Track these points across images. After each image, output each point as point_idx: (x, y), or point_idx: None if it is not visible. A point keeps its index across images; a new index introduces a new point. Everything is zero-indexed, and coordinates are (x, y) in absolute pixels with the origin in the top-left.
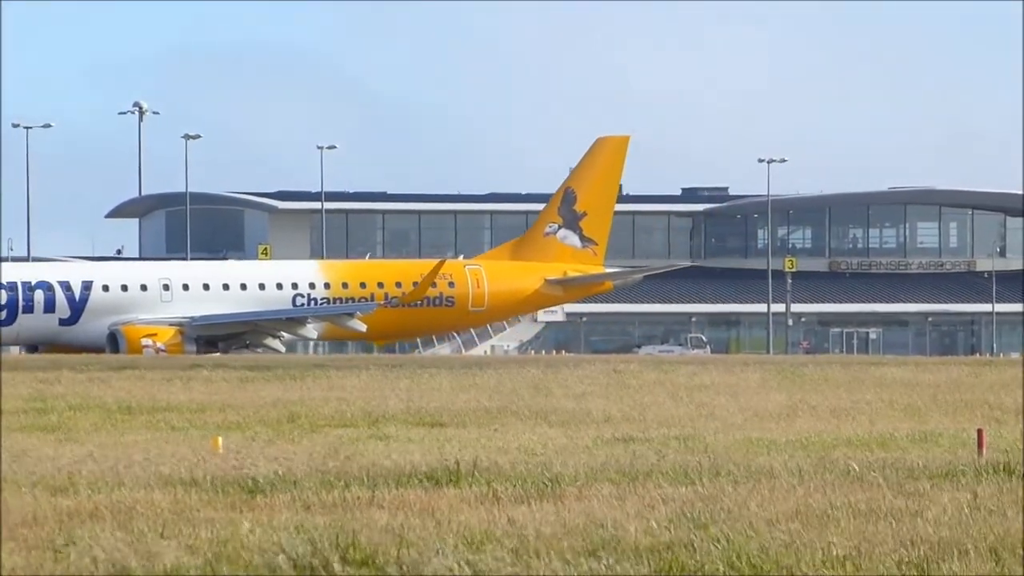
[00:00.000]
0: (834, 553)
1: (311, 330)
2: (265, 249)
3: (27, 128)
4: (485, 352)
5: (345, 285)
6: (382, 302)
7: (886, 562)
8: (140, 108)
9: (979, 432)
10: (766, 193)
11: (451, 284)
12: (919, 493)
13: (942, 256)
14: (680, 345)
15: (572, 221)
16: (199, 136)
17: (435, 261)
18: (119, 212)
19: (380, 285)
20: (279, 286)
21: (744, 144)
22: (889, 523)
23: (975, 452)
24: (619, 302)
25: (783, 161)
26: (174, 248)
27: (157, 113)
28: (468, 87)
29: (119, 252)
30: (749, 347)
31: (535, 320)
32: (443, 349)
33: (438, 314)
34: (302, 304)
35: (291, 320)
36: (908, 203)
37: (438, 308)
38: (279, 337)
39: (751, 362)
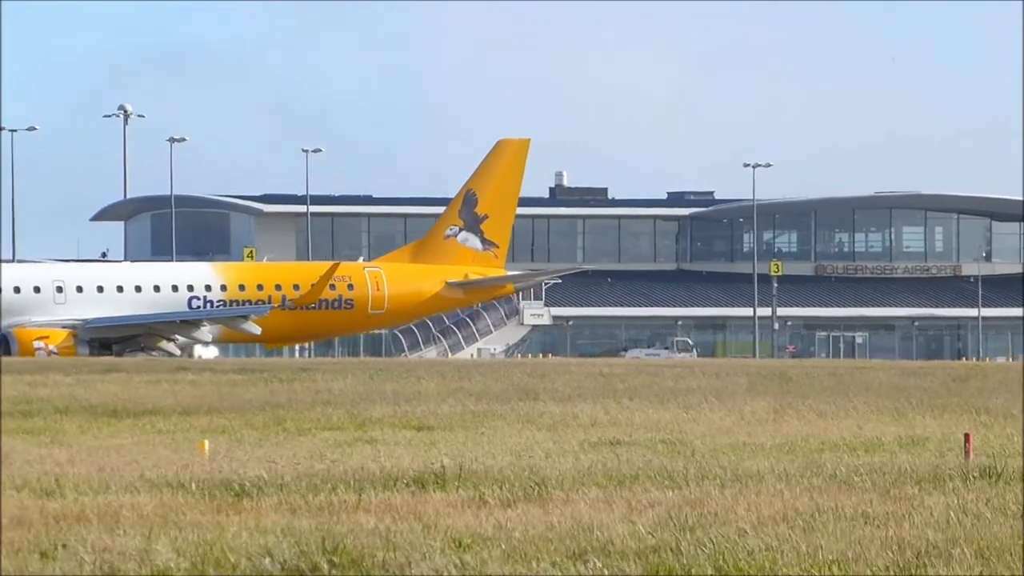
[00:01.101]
0: (821, 557)
1: (206, 333)
2: (251, 252)
3: (12, 131)
4: (472, 355)
5: (242, 287)
6: (276, 304)
7: (873, 566)
8: (125, 111)
9: (966, 436)
10: (752, 197)
11: (350, 287)
12: (906, 497)
13: (928, 260)
14: (666, 349)
15: (473, 224)
16: (184, 139)
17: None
18: (104, 215)
19: (278, 287)
20: (175, 288)
21: (730, 148)
22: (876, 527)
23: (962, 456)
24: (606, 306)
25: (768, 166)
26: (159, 251)
27: (142, 116)
28: (461, 90)
29: (104, 255)
30: (735, 351)
31: (522, 323)
32: (429, 352)
33: (337, 317)
34: (198, 307)
35: (185, 323)
36: (894, 207)
37: (337, 311)
38: (174, 340)
39: (737, 366)
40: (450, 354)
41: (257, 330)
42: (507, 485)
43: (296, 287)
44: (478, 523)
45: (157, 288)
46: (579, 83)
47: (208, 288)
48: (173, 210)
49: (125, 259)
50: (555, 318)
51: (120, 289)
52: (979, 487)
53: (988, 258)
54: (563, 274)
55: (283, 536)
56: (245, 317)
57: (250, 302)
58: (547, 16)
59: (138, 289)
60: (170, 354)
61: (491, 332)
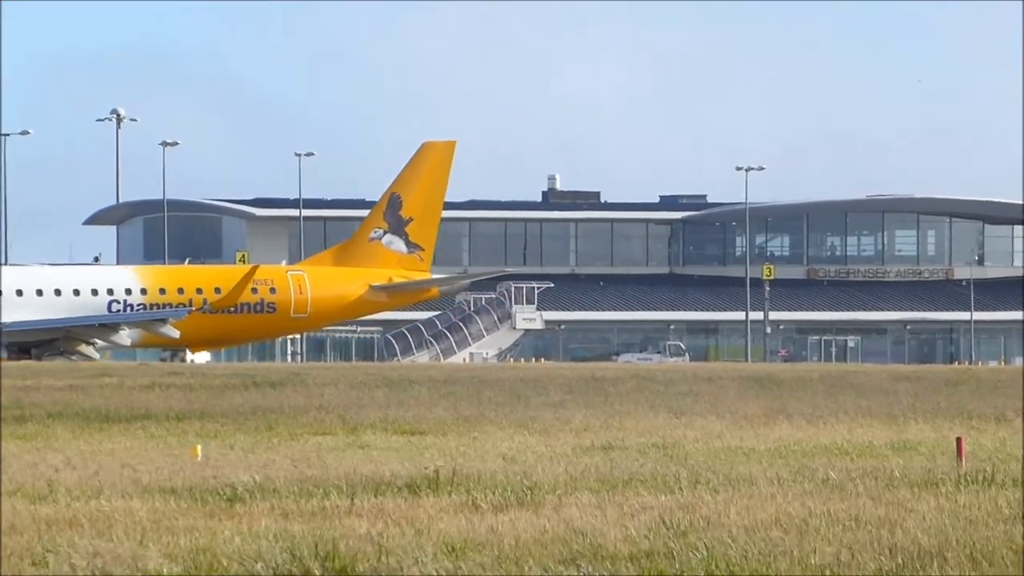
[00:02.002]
0: (813, 561)
1: (124, 337)
2: (243, 256)
3: (5, 135)
4: (464, 360)
5: (162, 291)
6: (195, 308)
7: (865, 570)
8: (118, 115)
9: (958, 440)
10: (744, 201)
11: (272, 290)
12: (898, 502)
13: (920, 264)
14: (659, 353)
15: (398, 226)
16: (176, 143)
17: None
18: (97, 219)
19: (199, 291)
20: (95, 292)
21: (722, 152)
22: (868, 531)
23: (954, 460)
24: (598, 310)
25: (761, 169)
26: (152, 255)
27: (135, 120)
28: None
29: (96, 259)
30: (727, 355)
31: (514, 328)
32: (422, 357)
33: (259, 320)
34: (118, 310)
35: (104, 327)
36: (886, 211)
37: (259, 314)
38: (93, 344)
39: (729, 370)
40: (442, 358)
41: (176, 334)
42: (499, 490)
43: (217, 290)
44: (470, 528)
45: (77, 292)
46: (570, 86)
47: (128, 292)
48: (166, 214)
49: (118, 263)
50: (547, 322)
51: (40, 293)
52: (972, 492)
53: (980, 262)
54: (488, 277)
55: (275, 541)
56: (163, 321)
57: (170, 306)
58: (538, 18)
59: (58, 293)
60: (89, 358)
61: (484, 336)
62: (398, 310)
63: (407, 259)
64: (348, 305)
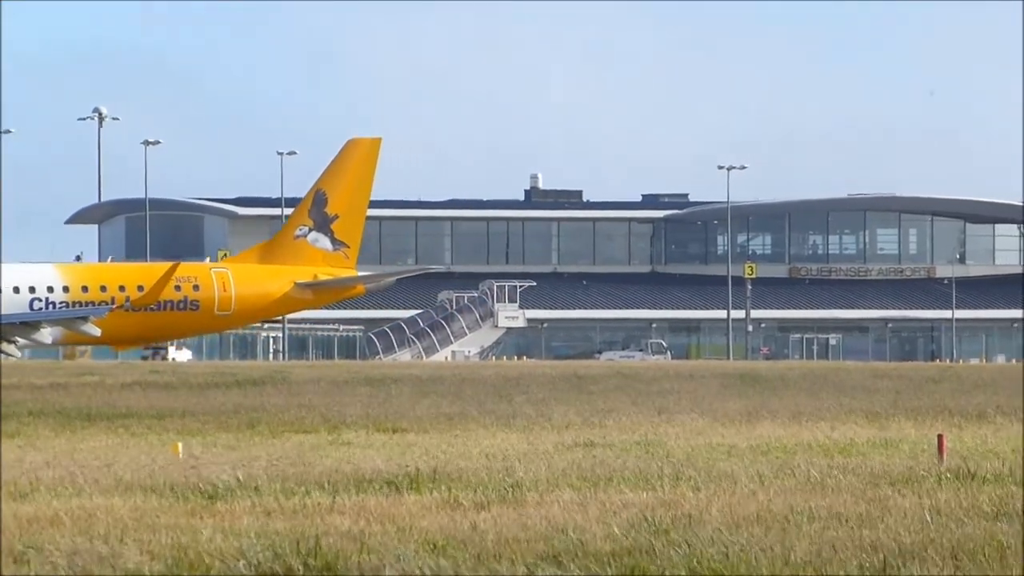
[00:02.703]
0: (795, 558)
1: (45, 335)
2: (225, 254)
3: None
4: (446, 358)
5: (85, 288)
6: (115, 306)
7: (847, 567)
8: (100, 114)
9: (939, 437)
10: (726, 200)
11: (196, 287)
12: (880, 499)
13: (902, 262)
14: (641, 351)
15: (323, 224)
16: (159, 142)
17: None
18: (79, 218)
19: (121, 288)
20: (16, 290)
21: (704, 150)
22: (850, 528)
23: (936, 457)
24: (580, 308)
25: (743, 168)
26: (134, 254)
27: (116, 119)
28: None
29: (78, 258)
30: (709, 353)
31: (496, 326)
32: (404, 355)
33: (182, 318)
34: (40, 308)
35: (24, 324)
36: (868, 210)
37: (182, 312)
38: (13, 342)
39: (711, 368)
40: (424, 356)
41: (97, 332)
42: (481, 487)
43: (140, 288)
44: (452, 525)
45: None
46: (554, 85)
47: (50, 290)
48: (147, 213)
49: (100, 262)
50: (530, 320)
51: None
52: (953, 489)
53: (962, 260)
54: (414, 273)
55: (257, 539)
56: (84, 318)
57: (93, 303)
58: (521, 18)
59: None
60: (9, 355)
61: (466, 335)
62: (323, 308)
63: (333, 256)
64: (273, 303)
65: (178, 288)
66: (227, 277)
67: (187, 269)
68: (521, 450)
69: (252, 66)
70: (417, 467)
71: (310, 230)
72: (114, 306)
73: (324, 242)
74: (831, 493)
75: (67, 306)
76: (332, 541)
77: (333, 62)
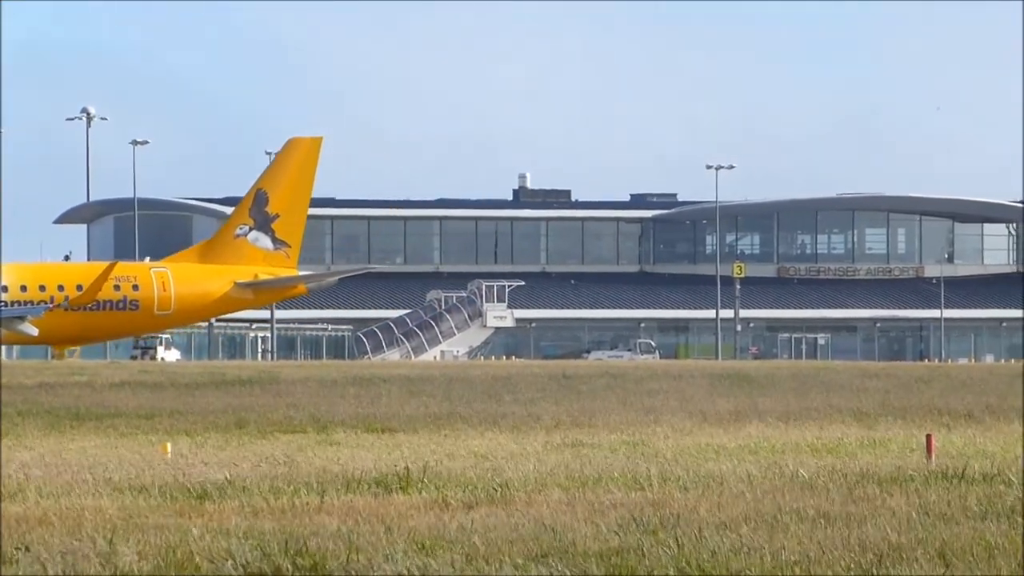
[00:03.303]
0: (783, 558)
1: None
2: None
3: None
4: (435, 357)
5: (24, 288)
6: (52, 305)
7: (835, 567)
8: (88, 114)
9: (928, 437)
10: (714, 199)
11: (135, 287)
12: (868, 498)
13: (890, 262)
14: (629, 350)
15: (264, 223)
16: (147, 142)
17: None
18: (67, 218)
19: (60, 288)
20: None
21: (693, 150)
22: (838, 528)
23: (924, 457)
24: (569, 308)
25: (731, 167)
26: (122, 254)
27: (105, 119)
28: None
29: (67, 258)
30: (698, 353)
31: (485, 326)
32: (392, 355)
33: (122, 317)
34: None
35: None
36: (856, 209)
37: (121, 312)
38: None
39: (699, 368)
40: (413, 356)
41: (34, 331)
42: (470, 487)
43: (80, 288)
44: (441, 525)
45: None
46: (543, 85)
47: None
48: (136, 213)
49: (88, 262)
50: (518, 320)
51: None
52: (941, 488)
53: (950, 260)
54: (357, 273)
55: (245, 539)
56: (21, 318)
57: (32, 303)
58: (510, 17)
59: None
60: None
61: (454, 334)
62: (262, 308)
63: (273, 256)
64: (213, 302)
65: (117, 288)
66: (167, 277)
67: (127, 269)
68: (509, 450)
69: (240, 66)
70: (406, 467)
71: (251, 229)
72: (52, 306)
73: (265, 241)
74: (819, 493)
75: (5, 305)
76: (320, 541)
77: (320, 61)
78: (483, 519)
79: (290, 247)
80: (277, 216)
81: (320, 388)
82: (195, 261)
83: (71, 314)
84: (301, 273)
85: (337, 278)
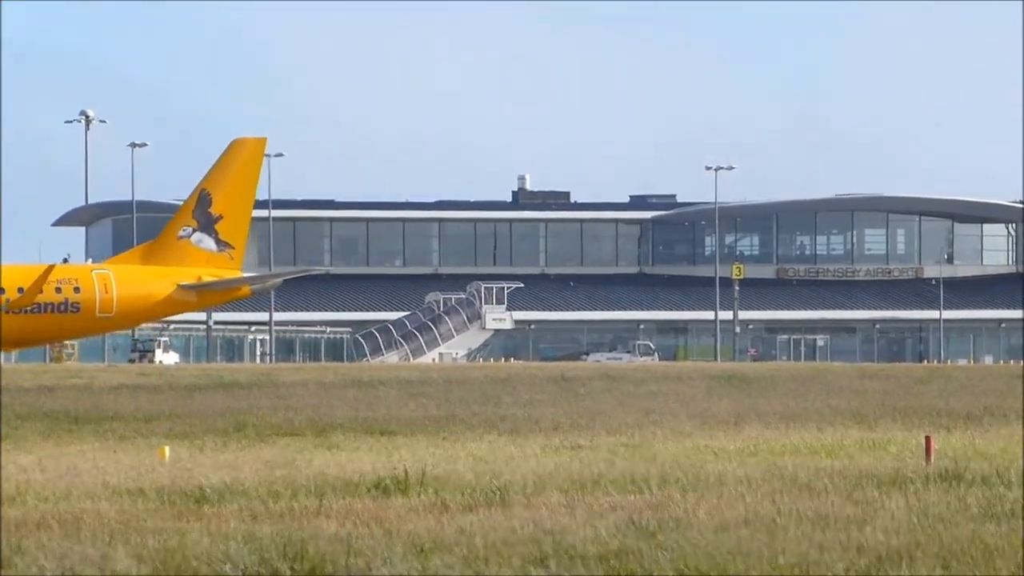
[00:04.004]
0: (782, 561)
1: None
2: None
3: None
4: (433, 360)
5: None
6: None
7: (835, 569)
8: (87, 117)
9: (927, 439)
10: (714, 201)
11: (76, 289)
12: (867, 500)
13: (890, 263)
14: (628, 352)
15: (207, 224)
16: (145, 145)
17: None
18: (66, 220)
19: (1, 291)
20: None
21: (692, 151)
22: (838, 530)
23: (923, 459)
24: (568, 310)
25: (730, 169)
26: None
27: (104, 122)
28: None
29: (65, 261)
30: (697, 354)
31: (484, 328)
32: (391, 357)
33: (62, 320)
34: None
35: None
36: (856, 210)
37: (62, 314)
38: None
39: (699, 370)
40: (412, 359)
41: None
42: (469, 490)
43: (21, 290)
44: (440, 528)
45: None
46: (542, 87)
47: None
48: (135, 215)
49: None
50: (517, 322)
51: None
52: (940, 490)
53: (950, 260)
54: (300, 275)
55: (244, 542)
56: None
57: None
58: (510, 18)
59: None
60: None
61: (453, 336)
62: (205, 310)
63: (217, 257)
64: (156, 304)
65: (59, 290)
66: (109, 279)
67: (68, 271)
68: (508, 452)
69: (241, 67)
70: (405, 470)
71: (194, 231)
72: None
73: (208, 243)
74: (819, 495)
75: None
76: (319, 545)
77: (321, 62)
78: (482, 522)
79: (234, 249)
80: (220, 217)
81: (319, 391)
82: (138, 263)
83: (11, 317)
84: (245, 275)
85: (281, 280)
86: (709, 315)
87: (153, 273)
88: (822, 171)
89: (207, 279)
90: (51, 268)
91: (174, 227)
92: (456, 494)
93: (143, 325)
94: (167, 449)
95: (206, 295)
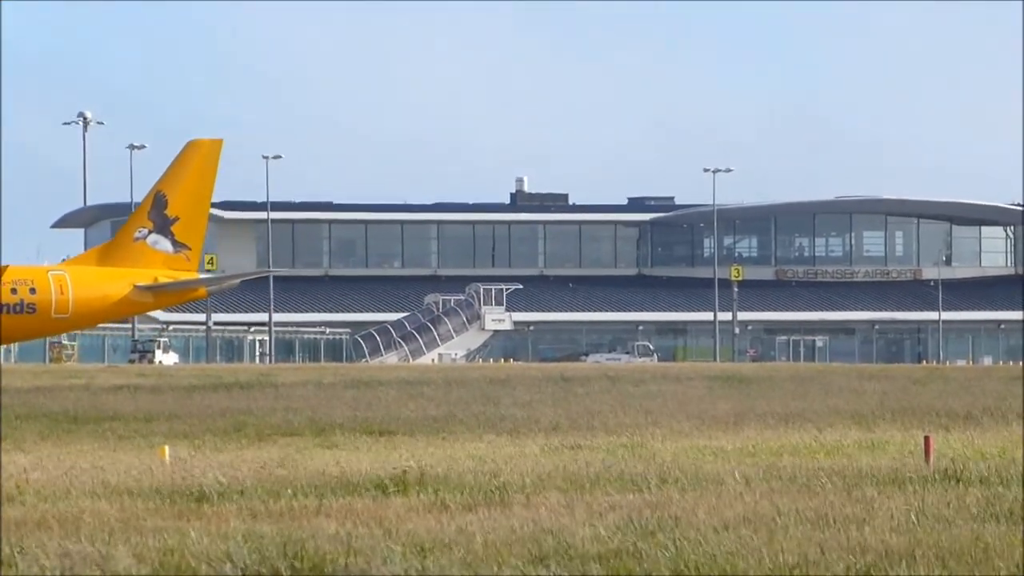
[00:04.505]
0: (782, 560)
1: None
2: (211, 259)
3: None
4: (433, 360)
5: None
6: None
7: (834, 569)
8: (84, 118)
9: (926, 439)
10: (712, 202)
11: (32, 291)
12: (867, 500)
13: (888, 264)
14: (627, 353)
15: (163, 226)
16: (144, 146)
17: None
18: (65, 222)
19: None
20: None
21: (690, 153)
22: (837, 530)
23: (922, 459)
24: (567, 311)
25: (729, 171)
26: None
27: (102, 123)
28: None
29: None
30: (696, 355)
31: (483, 329)
32: (390, 358)
33: (17, 321)
34: None
35: None
36: (854, 212)
37: (18, 315)
38: None
39: (698, 370)
40: (411, 359)
41: None
42: (468, 490)
43: None
44: (439, 528)
45: None
46: (539, 88)
47: None
48: None
49: None
50: (516, 323)
51: None
52: (939, 490)
53: (948, 262)
54: (256, 276)
55: (244, 542)
56: None
57: None
58: (514, 21)
59: None
60: None
61: (453, 337)
62: (161, 311)
63: (173, 259)
64: (112, 305)
65: (14, 291)
66: (64, 280)
67: (24, 272)
68: (508, 452)
69: (240, 69)
70: (404, 470)
71: (150, 232)
72: None
73: (164, 244)
74: (818, 495)
75: None
76: (319, 544)
77: (320, 63)
78: (482, 522)
79: (190, 250)
80: (176, 219)
81: (318, 391)
82: (94, 264)
83: None
84: (201, 276)
85: (239, 280)
86: (708, 316)
87: (109, 274)
88: (821, 173)
89: (163, 280)
90: (4, 269)
91: (130, 229)
92: (456, 494)
93: (99, 325)
94: (167, 449)
95: (162, 296)
